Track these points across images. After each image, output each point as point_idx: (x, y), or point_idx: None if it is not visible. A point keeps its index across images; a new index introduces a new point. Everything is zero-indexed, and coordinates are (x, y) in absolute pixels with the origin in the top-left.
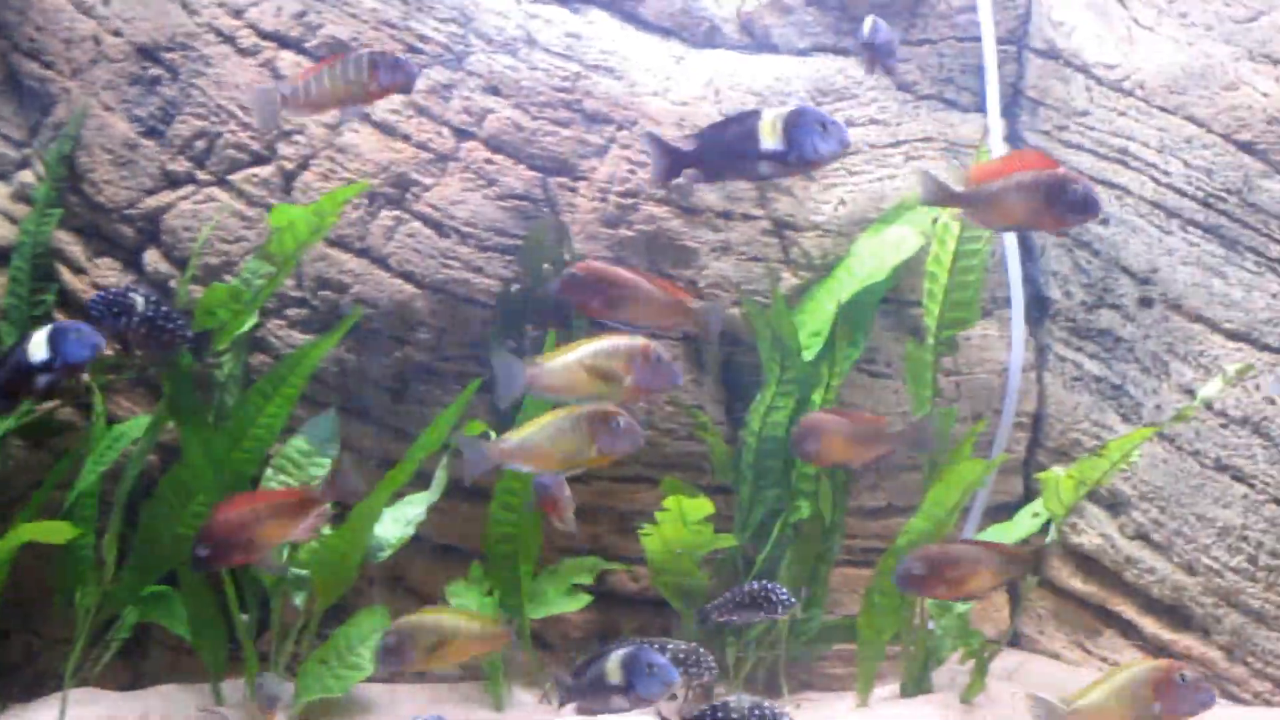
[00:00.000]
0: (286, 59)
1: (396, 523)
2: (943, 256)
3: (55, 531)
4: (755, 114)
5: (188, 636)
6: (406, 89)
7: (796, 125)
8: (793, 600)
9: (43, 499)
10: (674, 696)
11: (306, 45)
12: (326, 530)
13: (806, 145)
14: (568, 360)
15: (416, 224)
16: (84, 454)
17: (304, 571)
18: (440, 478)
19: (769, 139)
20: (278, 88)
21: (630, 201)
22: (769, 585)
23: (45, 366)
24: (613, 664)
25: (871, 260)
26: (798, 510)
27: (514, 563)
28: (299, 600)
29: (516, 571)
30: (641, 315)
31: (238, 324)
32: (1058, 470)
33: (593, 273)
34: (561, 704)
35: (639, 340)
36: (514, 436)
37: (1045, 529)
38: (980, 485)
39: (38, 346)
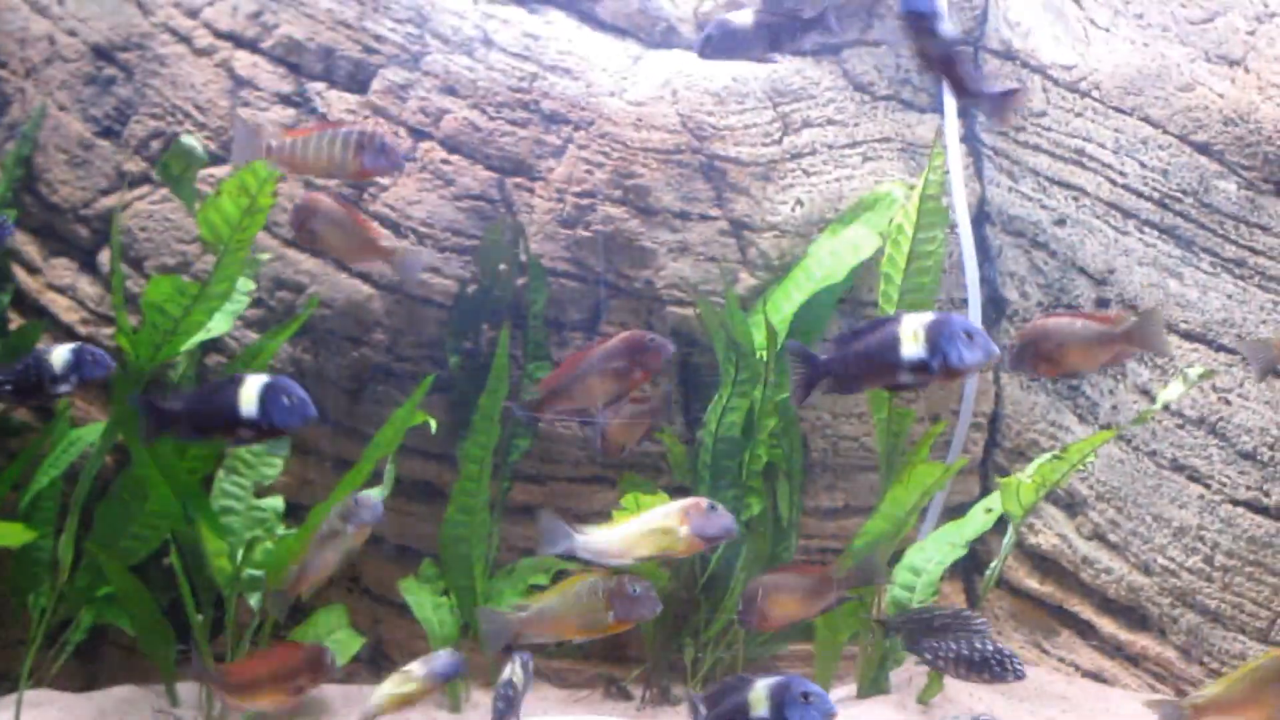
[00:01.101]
0: (242, 59)
1: None
2: (897, 258)
3: (11, 534)
4: (894, 320)
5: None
6: (389, 174)
7: (940, 334)
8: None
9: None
10: (630, 696)
11: (262, 45)
12: (282, 530)
13: (952, 354)
14: (617, 535)
15: (373, 224)
16: (40, 456)
17: (259, 572)
18: (389, 473)
19: (911, 347)
20: (265, 137)
21: (587, 202)
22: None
23: (63, 378)
24: (757, 694)
25: (829, 261)
26: (749, 508)
27: (469, 564)
28: (254, 601)
29: (471, 572)
30: (340, 247)
31: (194, 324)
32: (1020, 476)
33: (311, 203)
34: None
35: (687, 501)
36: (534, 605)
37: (999, 525)
38: (939, 487)
39: (59, 359)
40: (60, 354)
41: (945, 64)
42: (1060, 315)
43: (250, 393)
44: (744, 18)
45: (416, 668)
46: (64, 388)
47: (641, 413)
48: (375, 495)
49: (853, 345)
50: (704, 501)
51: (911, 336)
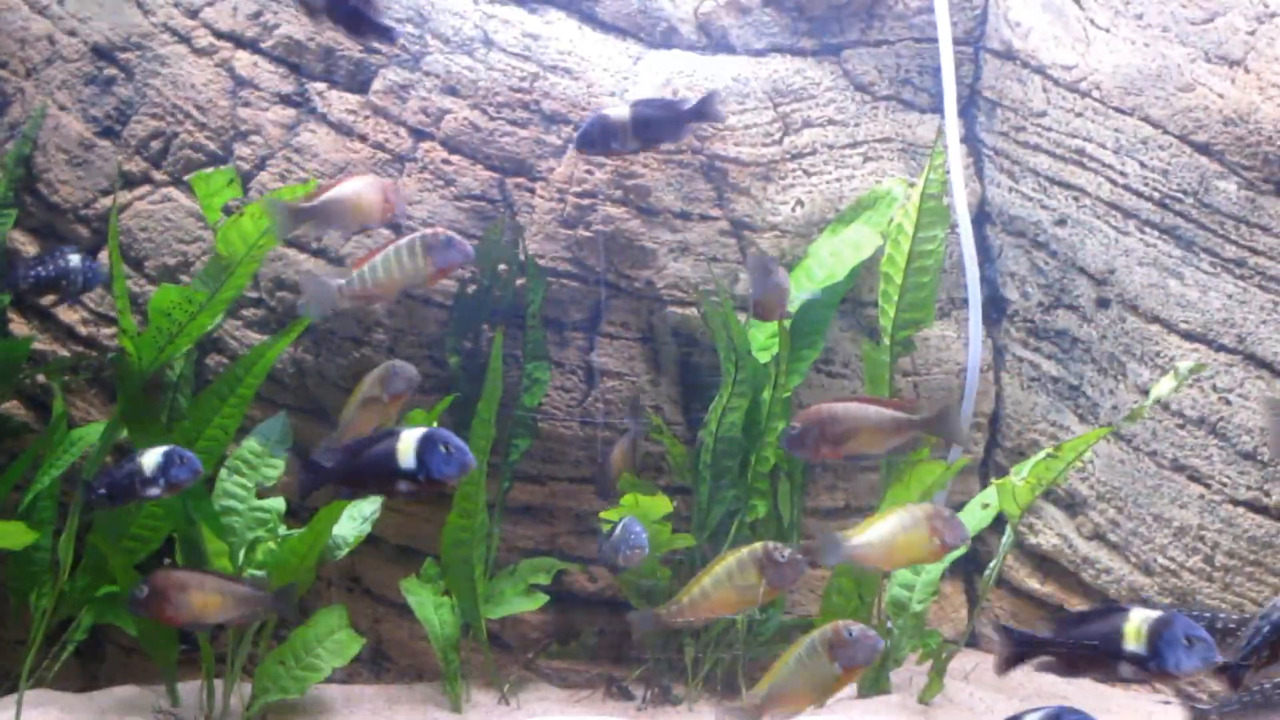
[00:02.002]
0: (243, 59)
1: (353, 520)
2: (897, 258)
3: (12, 536)
4: (1123, 611)
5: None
6: (463, 265)
7: (1161, 635)
8: None
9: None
10: (631, 696)
11: (262, 45)
12: (284, 530)
13: (1168, 659)
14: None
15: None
16: (41, 456)
17: (261, 573)
18: None
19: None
20: (333, 282)
21: (588, 202)
22: None
23: (153, 481)
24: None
25: (830, 261)
26: (753, 510)
27: (469, 565)
28: None
29: (472, 575)
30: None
31: (197, 327)
32: (1014, 478)
33: None
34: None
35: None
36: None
37: (998, 525)
38: (940, 487)
39: (150, 462)
40: (152, 458)
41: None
42: (850, 401)
43: (408, 446)
44: (620, 111)
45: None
46: (153, 491)
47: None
48: (411, 367)
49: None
50: (944, 511)
51: (1134, 635)
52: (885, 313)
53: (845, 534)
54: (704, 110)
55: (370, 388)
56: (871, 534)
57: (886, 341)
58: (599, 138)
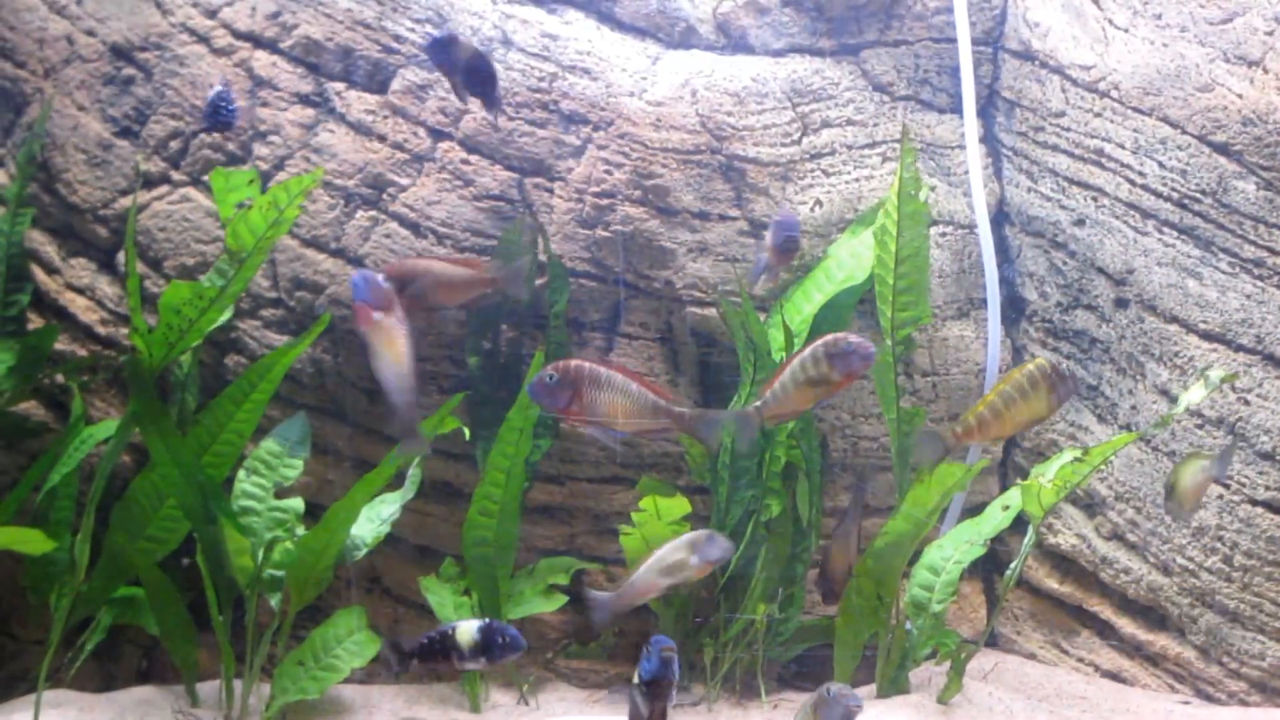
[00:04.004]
0: (261, 59)
1: (371, 521)
2: (886, 259)
3: (31, 542)
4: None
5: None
6: (866, 369)
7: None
8: None
9: (17, 502)
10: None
11: (281, 45)
12: (302, 531)
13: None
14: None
15: (393, 224)
16: (57, 455)
17: (279, 572)
18: (414, 476)
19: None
20: (748, 414)
21: (606, 202)
22: None
23: (471, 657)
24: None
25: (850, 261)
26: (768, 509)
27: (491, 565)
28: (274, 601)
29: (494, 574)
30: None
31: (206, 322)
32: (1041, 479)
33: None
34: None
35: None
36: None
37: (1018, 525)
38: (960, 488)
39: (466, 636)
40: (467, 631)
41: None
42: (618, 371)
43: (468, 635)
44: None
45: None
46: (472, 665)
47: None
48: (725, 537)
49: None
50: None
51: None
52: (883, 313)
53: None
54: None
55: (678, 548)
56: None
57: (888, 342)
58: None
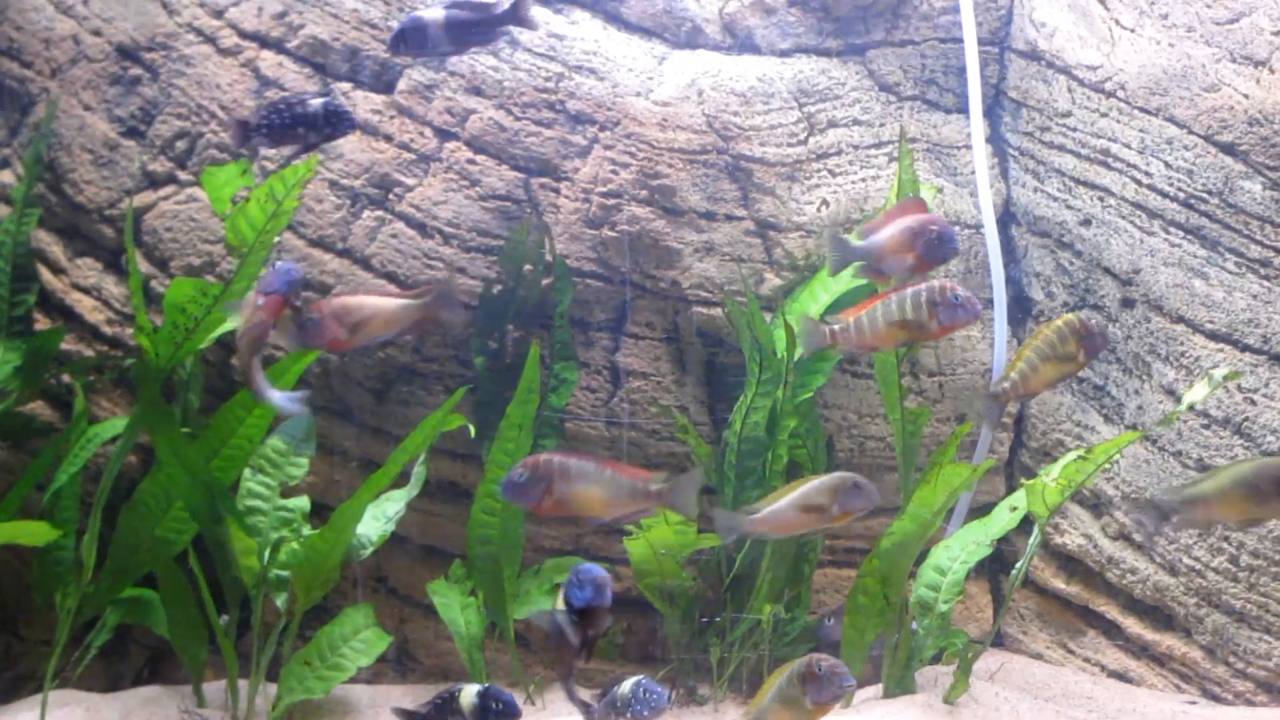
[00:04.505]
0: (268, 59)
1: (377, 520)
2: None
3: (34, 534)
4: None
5: (169, 637)
6: (970, 323)
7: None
8: None
9: (18, 500)
10: None
11: (287, 45)
12: (308, 530)
13: None
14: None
15: (399, 224)
16: (61, 455)
17: (285, 572)
18: (418, 473)
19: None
20: (821, 326)
21: (613, 202)
22: None
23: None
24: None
25: None
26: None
27: (497, 564)
28: (280, 601)
29: (500, 573)
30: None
31: (213, 321)
32: (1046, 479)
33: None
34: None
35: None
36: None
37: (1024, 525)
38: (967, 488)
39: (467, 701)
40: (468, 696)
41: None
42: (590, 462)
43: (469, 700)
44: (435, 13)
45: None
46: None
47: None
48: (872, 487)
49: None
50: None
51: None
52: None
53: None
54: (516, 14)
55: (819, 494)
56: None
57: None
58: (412, 38)
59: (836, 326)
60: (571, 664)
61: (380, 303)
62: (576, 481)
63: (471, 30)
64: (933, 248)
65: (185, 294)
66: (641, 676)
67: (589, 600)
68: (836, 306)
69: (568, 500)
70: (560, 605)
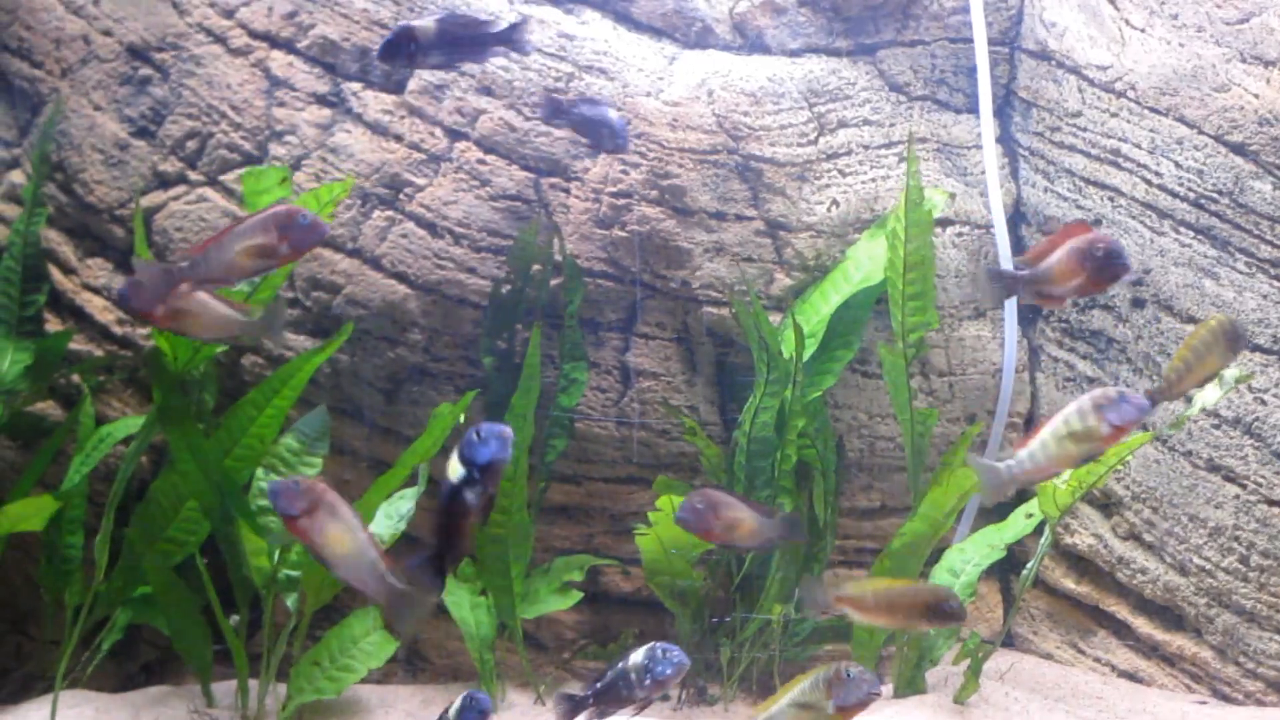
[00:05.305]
0: (278, 59)
1: (389, 519)
2: (896, 263)
3: (37, 511)
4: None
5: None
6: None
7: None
8: None
9: (22, 496)
10: (667, 696)
11: (298, 45)
12: None
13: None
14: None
15: (409, 224)
16: (61, 451)
17: (295, 572)
18: (424, 471)
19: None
20: (997, 468)
21: (623, 202)
22: None
23: (468, 482)
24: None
25: (868, 264)
26: (780, 508)
27: (505, 564)
28: (290, 601)
29: (509, 572)
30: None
31: None
32: (1057, 480)
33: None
34: None
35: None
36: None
37: (1039, 530)
38: (977, 490)
39: (453, 468)
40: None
41: None
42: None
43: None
44: (426, 24)
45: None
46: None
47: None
48: (872, 676)
49: None
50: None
51: None
52: (895, 316)
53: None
54: (510, 37)
55: (815, 688)
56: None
57: (900, 345)
58: (401, 49)
59: (1011, 463)
60: (470, 535)
61: (211, 305)
62: (335, 521)
63: (463, 46)
64: (1102, 268)
65: None
66: (650, 643)
67: (494, 455)
68: (848, 306)
69: (321, 532)
70: (452, 470)
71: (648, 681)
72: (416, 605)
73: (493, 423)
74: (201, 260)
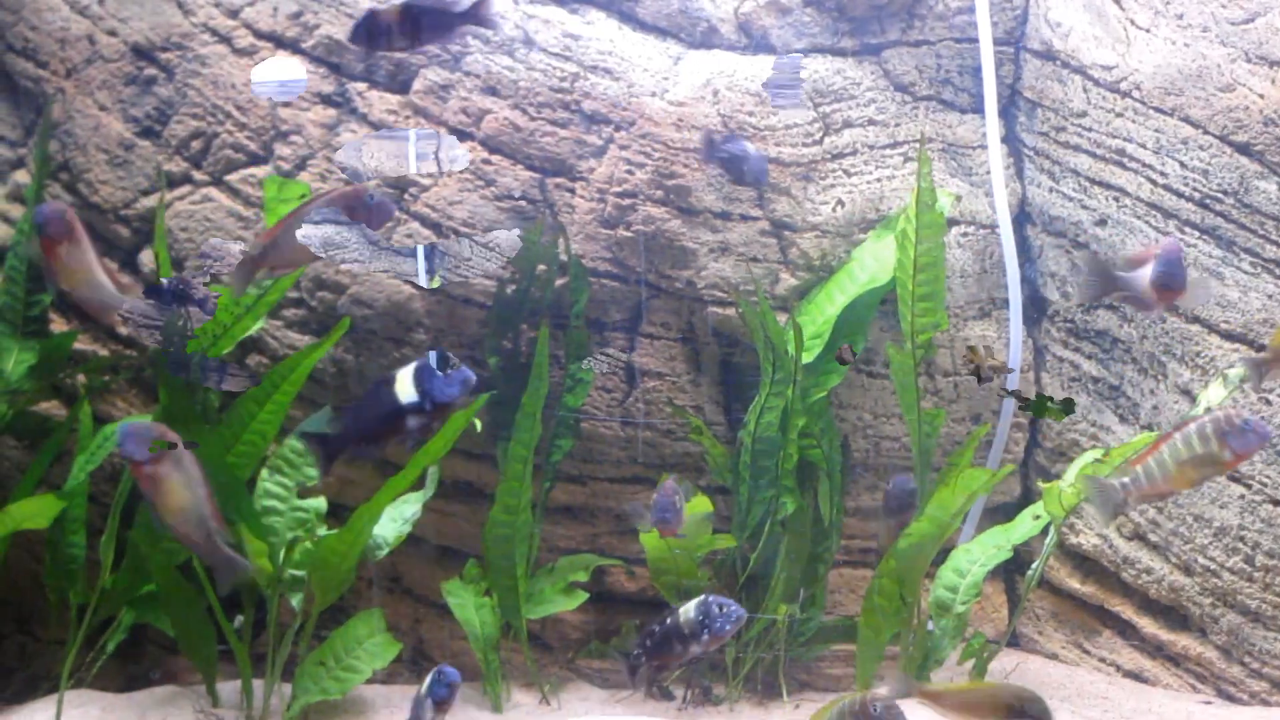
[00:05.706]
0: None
1: (394, 521)
2: (906, 264)
3: (41, 511)
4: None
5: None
6: (1259, 447)
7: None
8: None
9: (25, 495)
10: (672, 695)
11: (303, 45)
12: (323, 531)
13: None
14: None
15: (415, 224)
16: (63, 451)
17: (300, 572)
18: (433, 475)
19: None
20: (1111, 484)
21: (628, 202)
22: None
23: (416, 409)
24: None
25: (873, 264)
26: (783, 507)
27: (511, 564)
28: (295, 601)
29: (514, 573)
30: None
31: (240, 329)
32: (1062, 482)
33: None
34: None
35: None
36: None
37: (1045, 531)
38: (984, 491)
39: (405, 387)
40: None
41: None
42: None
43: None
44: (391, 6)
45: None
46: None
47: None
48: (1256, 419)
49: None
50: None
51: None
52: (904, 317)
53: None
54: (476, 13)
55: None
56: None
57: (909, 345)
58: (367, 32)
59: (1127, 479)
60: (384, 446)
61: (100, 278)
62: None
63: (428, 24)
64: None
65: (219, 303)
66: (703, 596)
67: (452, 397)
68: (853, 307)
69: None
70: (401, 388)
71: (705, 637)
72: (238, 571)
73: (459, 367)
74: (272, 246)
